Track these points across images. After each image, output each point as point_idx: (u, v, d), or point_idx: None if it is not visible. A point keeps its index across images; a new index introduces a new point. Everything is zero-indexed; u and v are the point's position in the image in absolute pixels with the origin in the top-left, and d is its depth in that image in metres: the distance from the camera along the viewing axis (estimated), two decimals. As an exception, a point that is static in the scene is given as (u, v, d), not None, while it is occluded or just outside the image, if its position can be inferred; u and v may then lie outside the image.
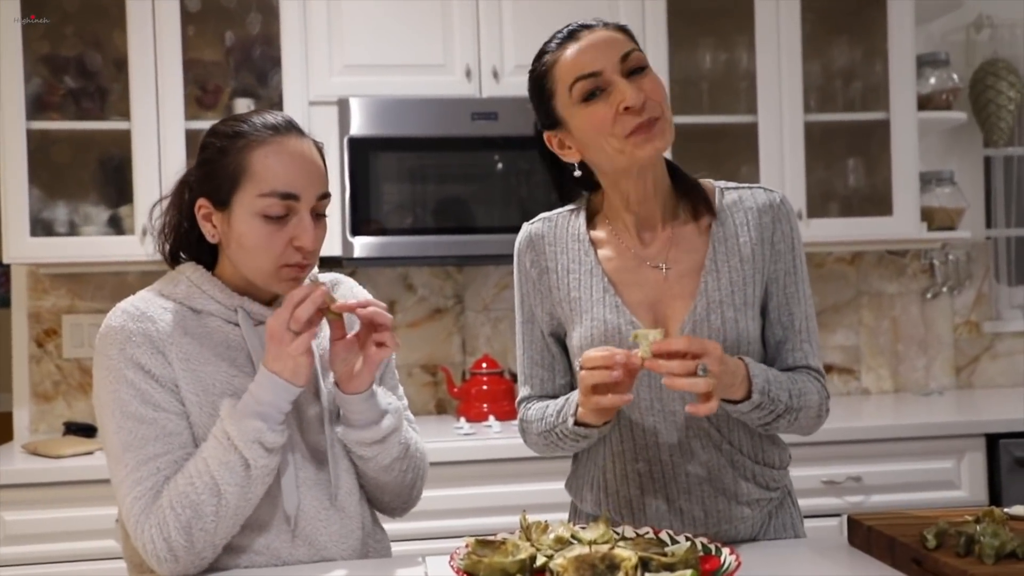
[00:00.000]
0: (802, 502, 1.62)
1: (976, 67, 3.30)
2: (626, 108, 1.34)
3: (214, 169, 1.39)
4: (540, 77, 1.43)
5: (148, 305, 1.38)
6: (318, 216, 1.40)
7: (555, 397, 1.50)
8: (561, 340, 1.53)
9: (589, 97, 1.37)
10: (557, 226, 1.52)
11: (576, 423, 1.38)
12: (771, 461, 1.49)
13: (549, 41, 1.43)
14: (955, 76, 3.11)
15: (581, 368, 1.30)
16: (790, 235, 1.46)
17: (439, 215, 2.74)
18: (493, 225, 2.74)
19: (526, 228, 1.55)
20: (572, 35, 1.40)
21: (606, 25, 1.41)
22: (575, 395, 1.38)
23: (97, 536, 2.36)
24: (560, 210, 1.55)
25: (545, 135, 1.47)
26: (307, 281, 1.49)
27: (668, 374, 1.24)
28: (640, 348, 1.26)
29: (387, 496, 1.51)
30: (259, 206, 1.35)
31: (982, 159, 3.39)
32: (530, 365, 1.54)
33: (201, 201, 1.40)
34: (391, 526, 1.58)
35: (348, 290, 1.57)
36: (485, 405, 2.84)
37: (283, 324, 1.31)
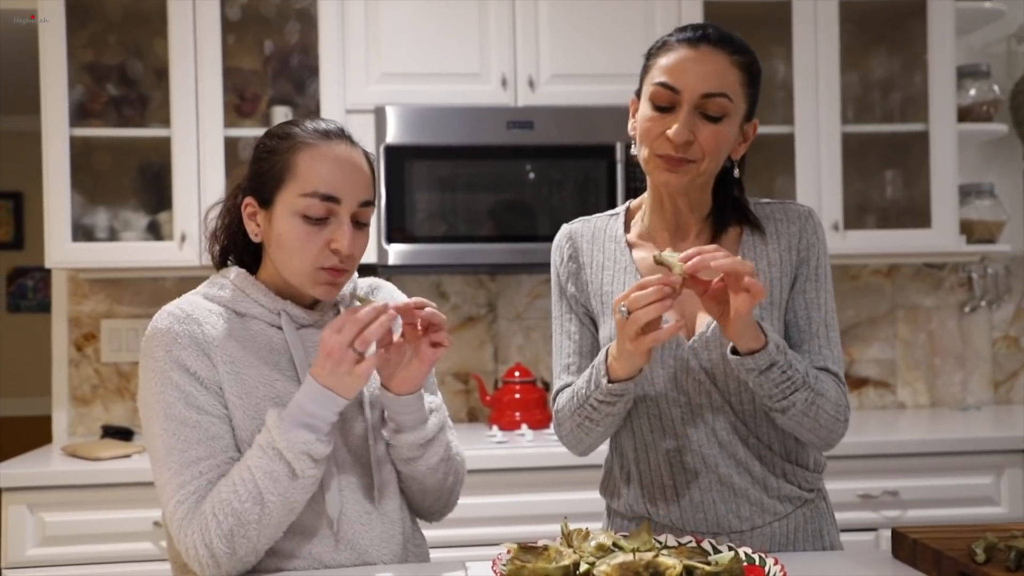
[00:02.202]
0: (838, 515, 1.60)
1: (1017, 79, 3.26)
2: (668, 135, 1.37)
3: (262, 168, 1.40)
4: (650, 51, 1.45)
5: (194, 308, 1.38)
6: (360, 224, 1.40)
7: None
8: (595, 334, 1.54)
9: (657, 102, 1.40)
10: (595, 227, 1.57)
11: (610, 381, 1.37)
12: (804, 462, 1.49)
13: (685, 28, 1.43)
14: (996, 88, 3.07)
15: (628, 312, 1.27)
16: (816, 244, 1.48)
17: (473, 223, 2.75)
18: (527, 234, 2.75)
19: (565, 227, 1.61)
20: (698, 40, 1.40)
21: (734, 52, 1.40)
22: (599, 359, 1.39)
23: (134, 538, 2.39)
24: (599, 215, 1.60)
25: (632, 96, 1.50)
26: (349, 287, 1.51)
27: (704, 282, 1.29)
28: (674, 268, 1.28)
29: (428, 500, 1.51)
30: (300, 206, 1.36)
31: (1022, 172, 3.34)
32: (567, 355, 1.54)
33: (247, 200, 1.42)
34: (426, 532, 1.58)
35: (388, 294, 1.58)
36: (517, 413, 2.84)
37: (344, 343, 1.28)
